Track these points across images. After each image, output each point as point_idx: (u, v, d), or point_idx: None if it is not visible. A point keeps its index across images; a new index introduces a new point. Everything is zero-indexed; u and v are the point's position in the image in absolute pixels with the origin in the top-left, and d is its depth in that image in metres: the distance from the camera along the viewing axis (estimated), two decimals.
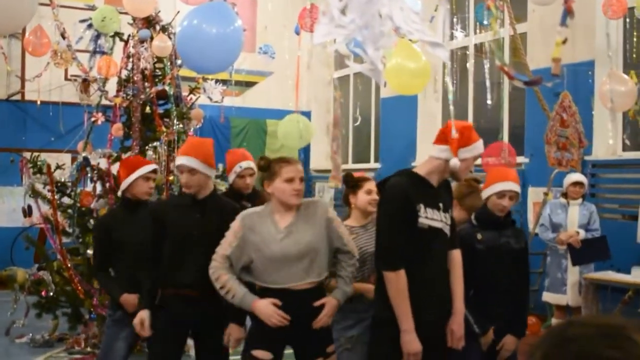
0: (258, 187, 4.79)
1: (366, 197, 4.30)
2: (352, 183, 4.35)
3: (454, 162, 3.60)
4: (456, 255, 3.89)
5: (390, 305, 3.57)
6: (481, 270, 4.24)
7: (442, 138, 3.69)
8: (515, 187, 4.33)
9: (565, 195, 7.59)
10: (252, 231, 3.74)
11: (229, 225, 3.89)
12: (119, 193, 4.94)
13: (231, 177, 5.17)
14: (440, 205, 3.72)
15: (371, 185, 4.29)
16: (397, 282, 3.55)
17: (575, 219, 7.45)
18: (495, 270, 4.32)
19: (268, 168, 3.81)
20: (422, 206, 3.62)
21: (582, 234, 7.32)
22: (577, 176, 7.64)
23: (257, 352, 3.71)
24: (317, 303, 3.72)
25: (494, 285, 4.32)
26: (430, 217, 3.66)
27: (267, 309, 3.65)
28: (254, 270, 3.77)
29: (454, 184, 4.14)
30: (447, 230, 3.78)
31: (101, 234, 4.75)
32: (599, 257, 7.46)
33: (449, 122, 3.66)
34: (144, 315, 4.17)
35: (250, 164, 5.12)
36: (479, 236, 4.32)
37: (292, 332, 3.72)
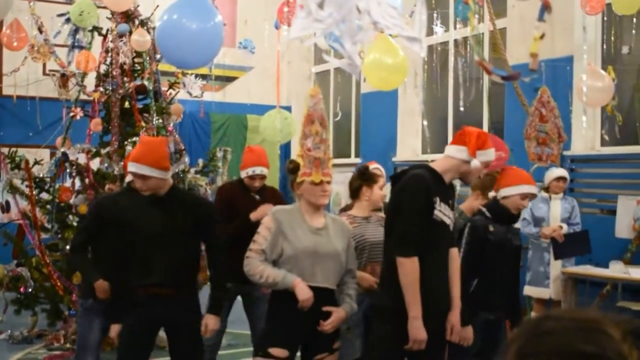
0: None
1: (380, 192, 4.66)
2: (368, 177, 4.64)
3: (475, 163, 3.81)
4: (455, 253, 4.05)
5: (396, 296, 3.68)
6: (489, 262, 4.52)
7: (461, 139, 3.89)
8: (537, 190, 4.86)
9: (547, 189, 7.65)
10: (285, 225, 3.85)
11: (196, 219, 4.04)
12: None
13: (242, 174, 5.32)
14: (450, 202, 3.92)
15: (384, 181, 4.65)
16: (411, 269, 3.68)
17: (557, 213, 7.52)
18: (500, 263, 4.58)
19: (297, 171, 3.87)
20: (437, 199, 3.79)
21: (565, 228, 7.39)
22: (560, 171, 7.70)
23: (274, 350, 3.78)
24: (328, 308, 3.84)
25: (497, 276, 4.56)
26: (443, 212, 3.82)
27: (306, 289, 3.77)
28: (281, 265, 3.84)
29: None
30: (452, 227, 3.96)
31: (98, 213, 4.59)
32: (581, 252, 7.53)
33: (465, 127, 3.93)
34: (116, 327, 4.25)
35: (264, 170, 5.30)
36: (491, 228, 4.58)
37: (307, 330, 3.83)
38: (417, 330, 3.66)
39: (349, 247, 4.02)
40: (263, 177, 5.32)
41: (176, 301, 4.10)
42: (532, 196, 4.71)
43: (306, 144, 3.80)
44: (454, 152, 3.89)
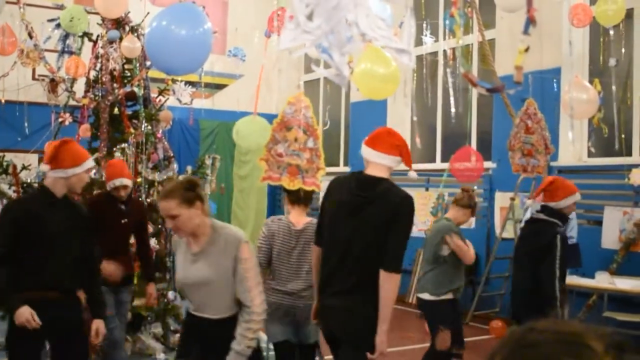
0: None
1: None
2: None
3: (413, 174, 4.07)
4: None
5: (376, 307, 3.74)
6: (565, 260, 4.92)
7: (397, 150, 3.93)
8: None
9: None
10: (177, 251, 3.77)
11: (80, 224, 4.15)
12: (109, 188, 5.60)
13: (108, 187, 5.79)
14: None
15: None
16: (397, 285, 3.81)
17: None
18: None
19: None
20: None
21: None
22: None
23: None
24: None
25: (564, 275, 4.99)
26: None
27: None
28: None
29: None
30: None
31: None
32: (572, 264, 7.57)
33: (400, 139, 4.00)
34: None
35: (124, 181, 5.73)
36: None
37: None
38: (385, 344, 3.76)
39: (235, 266, 3.49)
40: (126, 187, 5.76)
41: (64, 305, 4.10)
42: None
43: (276, 148, 3.78)
44: (392, 162, 3.94)
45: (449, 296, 5.72)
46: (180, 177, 6.49)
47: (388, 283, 3.72)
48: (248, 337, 3.44)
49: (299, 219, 4.76)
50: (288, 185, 3.76)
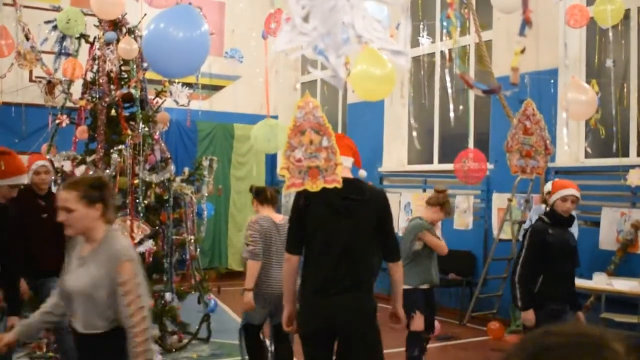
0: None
1: None
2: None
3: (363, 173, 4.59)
4: None
5: (374, 298, 4.22)
6: (551, 260, 5.35)
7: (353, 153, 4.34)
8: (576, 193, 5.51)
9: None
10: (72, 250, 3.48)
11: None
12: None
13: (30, 174, 6.02)
14: None
15: None
16: (402, 268, 4.40)
17: None
18: (561, 261, 5.40)
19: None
20: None
21: None
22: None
23: None
24: None
25: (559, 272, 5.40)
26: None
27: None
28: None
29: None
30: None
31: None
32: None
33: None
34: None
35: (44, 162, 6.29)
36: (551, 231, 5.42)
37: None
38: (403, 314, 4.47)
39: (111, 289, 3.17)
40: (48, 170, 6.25)
41: None
42: (574, 198, 5.49)
43: (294, 155, 3.76)
44: (349, 163, 4.29)
45: (425, 286, 6.37)
46: (91, 174, 6.68)
47: (396, 271, 4.27)
48: (139, 357, 3.14)
49: (274, 216, 5.84)
50: (311, 188, 3.77)
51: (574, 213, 6.79)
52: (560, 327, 1.11)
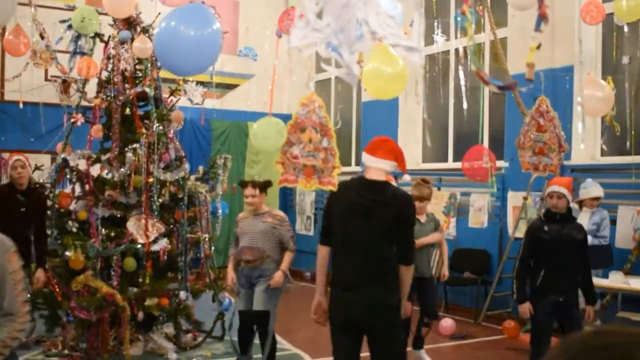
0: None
1: None
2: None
3: (407, 177, 4.64)
4: None
5: (397, 293, 4.34)
6: (548, 255, 5.66)
7: (392, 155, 4.33)
8: (557, 188, 5.70)
9: (580, 203, 7.74)
10: None
11: None
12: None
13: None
14: None
15: None
16: (413, 271, 4.50)
17: (584, 225, 7.54)
18: (560, 255, 5.65)
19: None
20: None
21: (589, 240, 7.37)
22: (597, 191, 7.78)
23: None
24: None
25: (559, 266, 5.65)
26: None
27: None
28: None
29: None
30: None
31: None
32: (602, 265, 7.57)
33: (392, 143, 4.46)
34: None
35: (20, 156, 6.81)
36: (546, 228, 5.70)
37: None
38: (408, 307, 5.32)
39: (6, 272, 3.33)
40: (23, 164, 6.76)
41: None
42: (557, 194, 5.67)
43: (291, 151, 3.76)
44: (389, 166, 4.33)
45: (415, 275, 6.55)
46: None
47: (407, 275, 4.36)
48: (7, 344, 3.26)
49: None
50: (304, 187, 3.78)
51: (575, 207, 6.93)
52: (610, 327, 1.10)
